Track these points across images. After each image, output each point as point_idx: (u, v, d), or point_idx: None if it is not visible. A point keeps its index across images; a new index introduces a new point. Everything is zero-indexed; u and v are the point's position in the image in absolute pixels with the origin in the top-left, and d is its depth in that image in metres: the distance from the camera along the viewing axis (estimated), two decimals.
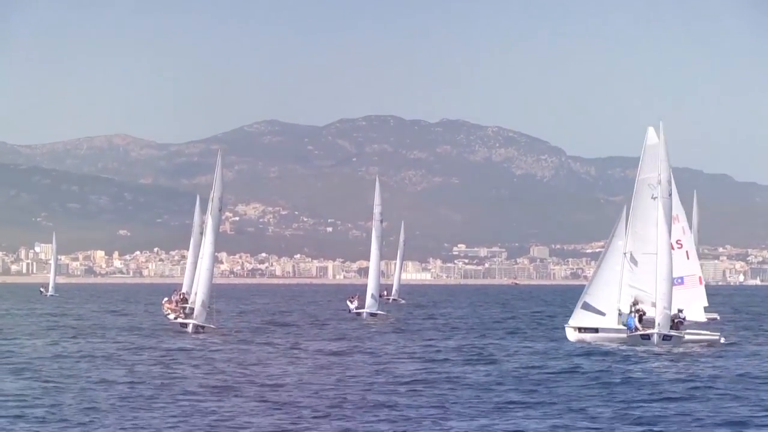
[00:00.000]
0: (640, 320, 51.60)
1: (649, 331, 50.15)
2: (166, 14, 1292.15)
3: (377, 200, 79.23)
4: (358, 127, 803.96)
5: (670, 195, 51.52)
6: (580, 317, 51.67)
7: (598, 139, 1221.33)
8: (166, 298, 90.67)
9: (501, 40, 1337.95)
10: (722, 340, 51.86)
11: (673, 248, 52.67)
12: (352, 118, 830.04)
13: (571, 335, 51.84)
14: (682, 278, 52.99)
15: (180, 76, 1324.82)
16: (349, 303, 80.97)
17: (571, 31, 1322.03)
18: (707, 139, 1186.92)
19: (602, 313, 51.23)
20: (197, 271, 61.72)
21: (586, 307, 51.50)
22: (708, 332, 53.53)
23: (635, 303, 51.44)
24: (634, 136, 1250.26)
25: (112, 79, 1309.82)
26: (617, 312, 51.40)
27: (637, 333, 50.69)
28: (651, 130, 55.41)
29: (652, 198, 52.62)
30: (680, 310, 51.73)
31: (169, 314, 66.29)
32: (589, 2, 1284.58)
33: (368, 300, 76.61)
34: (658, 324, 49.89)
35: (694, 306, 52.86)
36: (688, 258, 53.34)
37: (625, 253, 51.89)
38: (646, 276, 51.44)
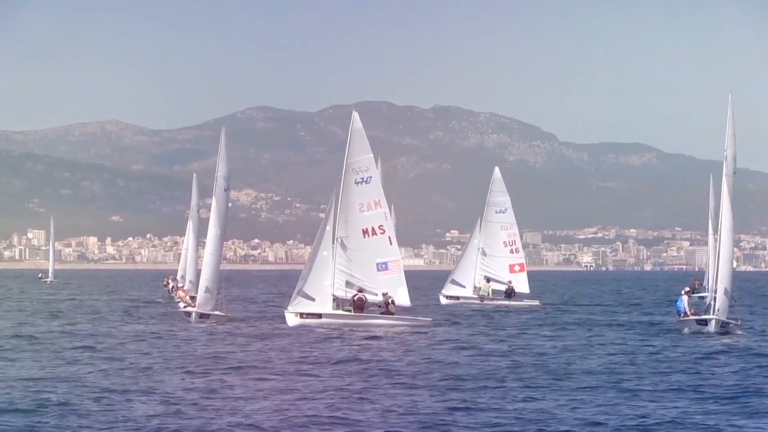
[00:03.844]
0: (361, 308, 51.69)
1: (706, 317, 47.91)
2: (159, 1, 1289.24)
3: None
4: (350, 113, 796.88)
5: (735, 173, 49.22)
6: (299, 303, 51.76)
7: (590, 125, 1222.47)
8: (171, 284, 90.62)
9: (493, 26, 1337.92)
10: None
11: (375, 233, 53.07)
12: (345, 105, 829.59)
13: (291, 320, 51.33)
14: (386, 263, 53.16)
15: (172, 63, 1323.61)
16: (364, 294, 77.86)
17: (564, 17, 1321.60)
18: (699, 125, 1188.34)
19: (312, 299, 51.43)
20: (205, 256, 57.65)
21: (302, 294, 51.73)
22: (421, 317, 54.49)
23: (360, 290, 51.94)
24: (627, 122, 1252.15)
25: (104, 65, 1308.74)
26: (332, 297, 51.73)
27: (691, 318, 48.79)
28: (355, 114, 56.21)
29: (355, 183, 53.09)
30: (385, 294, 52.03)
31: (179, 302, 63.52)
32: None
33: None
34: (717, 309, 47.39)
35: (400, 291, 52.83)
36: (390, 244, 53.85)
37: (336, 239, 52.34)
38: (355, 261, 52.39)
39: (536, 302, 77.96)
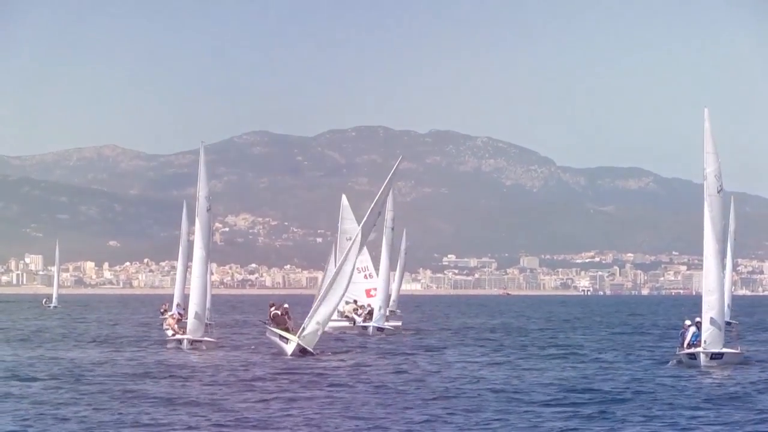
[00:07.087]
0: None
1: (694, 350, 44.79)
2: (156, 25, 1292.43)
3: (389, 206, 74.62)
4: (347, 137, 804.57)
5: (719, 191, 46.94)
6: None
7: (587, 149, 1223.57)
8: (162, 312, 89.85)
9: (490, 51, 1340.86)
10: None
11: None
12: (342, 129, 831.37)
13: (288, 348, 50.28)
14: None
15: (169, 87, 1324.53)
16: (355, 316, 75.15)
17: (561, 41, 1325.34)
18: (696, 149, 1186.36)
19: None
20: (193, 279, 55.23)
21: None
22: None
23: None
24: (624, 147, 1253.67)
25: (101, 89, 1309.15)
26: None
27: (683, 352, 45.43)
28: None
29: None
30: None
31: (167, 330, 60.11)
32: (578, 13, 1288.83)
33: (375, 312, 72.57)
34: (704, 341, 44.43)
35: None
36: None
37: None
38: None
39: (399, 323, 79.22)
